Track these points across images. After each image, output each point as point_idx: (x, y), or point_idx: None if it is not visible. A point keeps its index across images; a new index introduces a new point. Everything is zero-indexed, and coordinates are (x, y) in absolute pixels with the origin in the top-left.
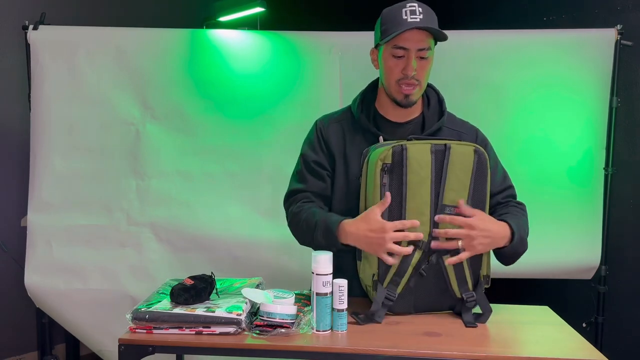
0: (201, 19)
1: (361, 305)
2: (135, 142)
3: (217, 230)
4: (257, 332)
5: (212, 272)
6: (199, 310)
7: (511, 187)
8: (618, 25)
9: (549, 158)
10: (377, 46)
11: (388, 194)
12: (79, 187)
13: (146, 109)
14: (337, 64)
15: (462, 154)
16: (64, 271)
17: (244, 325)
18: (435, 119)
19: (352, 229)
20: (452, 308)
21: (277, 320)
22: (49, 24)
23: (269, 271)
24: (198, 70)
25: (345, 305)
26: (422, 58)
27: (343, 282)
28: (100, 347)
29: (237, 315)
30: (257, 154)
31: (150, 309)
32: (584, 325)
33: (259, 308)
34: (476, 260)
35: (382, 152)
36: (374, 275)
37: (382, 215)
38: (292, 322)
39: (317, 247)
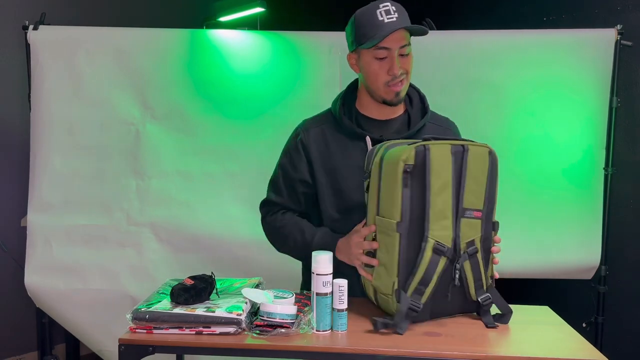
0: (201, 19)
1: (361, 305)
2: (135, 142)
3: (217, 230)
4: (257, 332)
5: (212, 272)
6: (199, 310)
7: None
8: (618, 25)
9: (549, 158)
10: (354, 50)
11: (373, 226)
12: (79, 187)
13: (146, 109)
14: (337, 64)
15: (478, 155)
16: (64, 271)
17: (244, 325)
18: (419, 116)
19: (340, 245)
20: (465, 311)
21: (277, 320)
22: (49, 24)
23: (269, 271)
24: (198, 70)
25: (345, 305)
26: (402, 55)
27: (343, 282)
28: (100, 347)
29: (237, 315)
30: (257, 154)
31: (150, 309)
32: (584, 325)
33: (259, 308)
34: (487, 263)
35: (403, 151)
36: (394, 283)
37: (405, 215)
38: (292, 322)
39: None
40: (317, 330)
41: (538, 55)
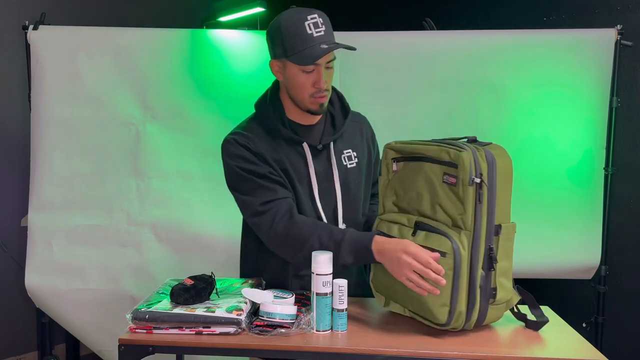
0: (201, 19)
1: (361, 305)
2: (135, 142)
3: (217, 230)
4: (257, 332)
5: (212, 272)
6: (199, 310)
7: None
8: (618, 26)
9: (548, 158)
10: (277, 58)
11: (438, 255)
12: (79, 187)
13: (146, 109)
14: (337, 64)
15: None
16: (64, 271)
17: (244, 325)
18: (342, 116)
19: (390, 246)
20: None
21: (277, 320)
22: (49, 24)
23: None
24: (198, 70)
25: (345, 305)
26: (328, 68)
27: (343, 282)
28: (100, 347)
29: (237, 315)
30: None
31: (150, 309)
32: (584, 325)
33: (258, 308)
34: None
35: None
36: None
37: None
38: (292, 322)
39: (337, 263)
40: (317, 331)
41: (538, 56)
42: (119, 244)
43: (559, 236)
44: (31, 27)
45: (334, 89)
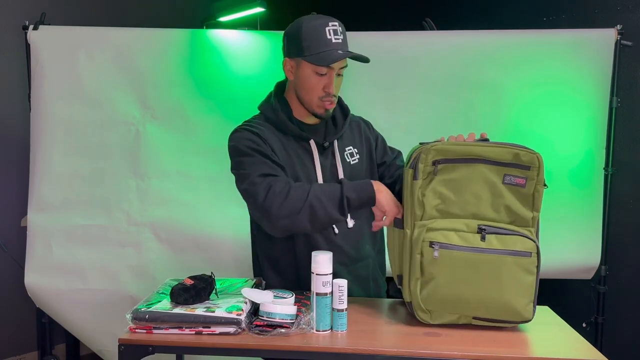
0: (201, 19)
1: (361, 305)
2: (135, 142)
3: (217, 230)
4: (257, 332)
5: (212, 272)
6: (199, 310)
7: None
8: (618, 26)
9: (548, 158)
10: (292, 57)
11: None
12: (79, 187)
13: (146, 109)
14: None
15: None
16: (64, 271)
17: (243, 325)
18: (342, 116)
19: (383, 188)
20: None
21: (277, 320)
22: (49, 24)
23: None
24: (198, 70)
25: (345, 305)
26: (339, 75)
27: (343, 282)
28: (100, 347)
29: (237, 315)
30: None
31: (150, 309)
32: (584, 325)
33: (258, 308)
34: None
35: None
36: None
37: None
38: (292, 322)
39: (336, 207)
40: (317, 330)
41: (538, 56)
42: (119, 244)
43: (559, 236)
44: (31, 27)
45: None
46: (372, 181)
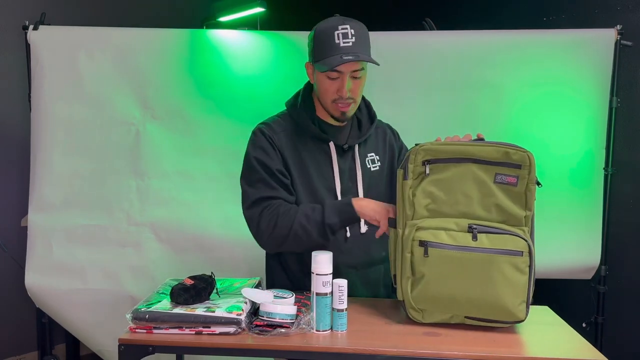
0: (201, 19)
1: (361, 305)
2: (135, 142)
3: (217, 230)
4: (257, 332)
5: (212, 272)
6: (199, 310)
7: None
8: (618, 26)
9: (548, 158)
10: (310, 61)
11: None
12: (79, 187)
13: (146, 109)
14: None
15: None
16: (64, 271)
17: (244, 325)
18: (369, 122)
19: (365, 202)
20: None
21: (277, 320)
22: (49, 24)
23: None
24: (198, 70)
25: (345, 305)
26: (355, 78)
27: (343, 282)
28: (100, 347)
29: (237, 315)
30: None
31: (150, 309)
32: (584, 325)
33: (258, 308)
34: None
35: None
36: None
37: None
38: (292, 322)
39: (320, 235)
40: (317, 331)
41: (538, 56)
42: (119, 244)
43: (559, 236)
44: (31, 27)
45: (362, 97)
46: (353, 199)
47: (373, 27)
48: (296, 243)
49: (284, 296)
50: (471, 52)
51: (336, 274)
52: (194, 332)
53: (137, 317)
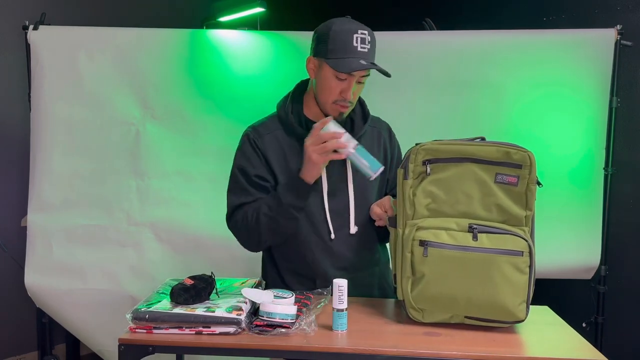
0: (201, 19)
1: (361, 305)
2: (135, 142)
3: (217, 230)
4: (257, 332)
5: (212, 272)
6: (199, 310)
7: None
8: (618, 26)
9: (548, 158)
10: (317, 57)
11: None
12: (79, 187)
13: (146, 109)
14: None
15: None
16: (64, 271)
17: (244, 325)
18: (362, 121)
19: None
20: None
21: (277, 320)
22: (49, 24)
23: None
24: (198, 70)
25: (345, 305)
26: (359, 82)
27: (343, 282)
28: (100, 347)
29: (237, 315)
30: None
31: (150, 309)
32: (584, 325)
33: (258, 308)
34: None
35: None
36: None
37: None
38: (292, 322)
39: (286, 218)
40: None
41: (538, 56)
42: (119, 244)
43: (559, 236)
44: (31, 27)
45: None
46: (298, 174)
47: (373, 27)
48: (272, 234)
49: (284, 296)
50: (471, 52)
51: (324, 276)
52: (194, 332)
53: (137, 317)
